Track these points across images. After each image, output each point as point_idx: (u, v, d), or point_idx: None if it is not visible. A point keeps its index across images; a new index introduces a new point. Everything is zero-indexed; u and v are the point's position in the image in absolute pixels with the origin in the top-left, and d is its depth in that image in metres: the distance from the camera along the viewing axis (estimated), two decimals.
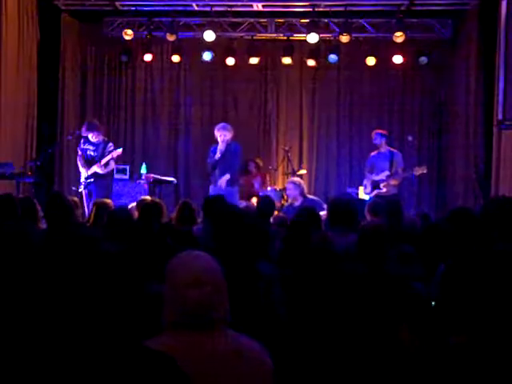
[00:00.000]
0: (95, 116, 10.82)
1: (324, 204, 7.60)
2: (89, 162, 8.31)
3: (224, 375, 1.98)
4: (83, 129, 8.42)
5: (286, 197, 9.38)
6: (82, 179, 8.29)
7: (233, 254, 2.77)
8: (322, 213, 6.46)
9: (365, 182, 8.94)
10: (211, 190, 8.24)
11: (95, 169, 8.21)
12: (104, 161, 8.18)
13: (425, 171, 8.54)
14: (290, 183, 7.96)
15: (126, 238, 3.53)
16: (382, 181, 8.56)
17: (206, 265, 2.06)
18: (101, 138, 8.42)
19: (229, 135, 8.14)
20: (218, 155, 8.11)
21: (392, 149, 8.82)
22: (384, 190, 8.50)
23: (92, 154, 8.32)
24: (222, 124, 8.43)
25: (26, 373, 1.54)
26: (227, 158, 8.11)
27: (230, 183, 8.12)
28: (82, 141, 8.42)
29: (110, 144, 8.44)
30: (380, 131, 8.90)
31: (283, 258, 3.48)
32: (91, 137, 8.32)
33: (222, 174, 8.12)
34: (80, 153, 8.39)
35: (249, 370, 2.00)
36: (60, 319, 1.59)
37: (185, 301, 1.98)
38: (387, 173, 8.54)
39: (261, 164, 9.95)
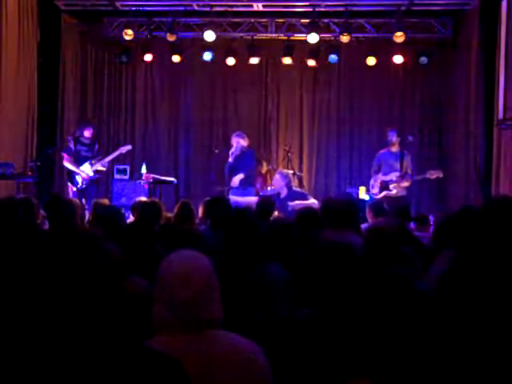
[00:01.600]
0: (95, 116, 10.86)
1: (309, 196, 7.67)
2: (81, 163, 8.54)
3: (218, 376, 1.96)
4: (81, 128, 8.75)
5: None
6: (84, 175, 8.44)
7: (238, 255, 2.78)
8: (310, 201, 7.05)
9: (372, 181, 8.70)
10: (231, 193, 8.43)
11: (99, 167, 8.52)
12: (109, 158, 8.66)
13: (441, 175, 8.34)
14: (277, 173, 7.87)
15: (121, 239, 3.55)
16: (392, 181, 8.32)
17: (197, 264, 2.03)
18: (91, 134, 8.77)
19: (242, 142, 8.49)
20: (230, 159, 8.46)
21: (402, 149, 8.58)
22: (394, 191, 8.28)
23: (85, 154, 8.59)
24: (237, 132, 8.84)
25: (27, 372, 1.53)
26: (242, 162, 8.39)
27: (244, 184, 8.26)
28: (71, 143, 8.59)
29: (96, 143, 8.84)
30: (395, 129, 8.73)
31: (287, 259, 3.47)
32: (87, 133, 8.65)
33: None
34: (67, 157, 8.53)
35: (243, 369, 1.98)
36: (63, 320, 1.59)
37: (176, 300, 1.96)
38: (397, 173, 8.32)
39: (265, 166, 9.95)
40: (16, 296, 2.06)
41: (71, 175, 8.55)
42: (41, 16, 9.53)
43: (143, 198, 6.31)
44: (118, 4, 9.84)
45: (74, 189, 8.39)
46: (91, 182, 8.51)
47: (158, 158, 10.86)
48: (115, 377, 1.53)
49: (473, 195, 9.26)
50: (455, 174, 9.92)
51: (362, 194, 8.97)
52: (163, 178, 8.94)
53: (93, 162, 8.55)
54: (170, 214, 5.50)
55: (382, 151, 8.73)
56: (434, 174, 8.28)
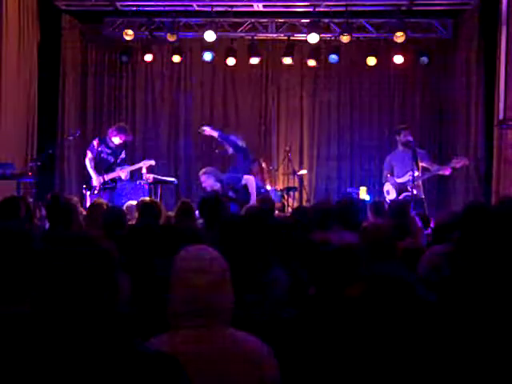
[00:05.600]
0: (95, 116, 10.86)
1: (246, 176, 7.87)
2: (101, 165, 8.24)
3: (224, 373, 1.98)
4: (111, 131, 8.34)
5: (285, 197, 9.37)
6: (96, 183, 8.16)
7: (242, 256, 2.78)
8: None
9: (386, 187, 8.21)
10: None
11: (120, 174, 8.22)
12: (133, 168, 8.39)
13: (467, 163, 7.76)
14: (201, 176, 7.84)
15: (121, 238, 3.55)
16: (411, 181, 7.67)
17: (210, 255, 2.10)
18: (121, 143, 8.39)
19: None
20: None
21: (413, 147, 7.93)
22: (414, 191, 7.61)
23: (107, 157, 8.29)
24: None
25: (25, 373, 1.53)
26: None
27: None
28: (95, 142, 8.33)
29: (123, 152, 8.48)
30: (408, 128, 8.25)
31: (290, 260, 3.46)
32: (117, 140, 8.27)
33: None
34: (91, 155, 8.24)
35: (249, 368, 2.00)
36: (58, 319, 1.59)
37: (190, 287, 2.01)
38: (416, 173, 7.68)
39: (263, 165, 9.92)
40: (12, 294, 2.06)
41: (87, 178, 8.32)
42: (41, 16, 9.53)
43: (146, 198, 6.31)
44: (118, 4, 9.84)
45: (88, 193, 8.06)
46: (104, 189, 8.17)
47: (159, 158, 10.84)
48: (111, 376, 1.52)
49: (473, 195, 9.27)
50: (455, 174, 9.90)
51: (363, 194, 8.96)
52: (163, 178, 8.93)
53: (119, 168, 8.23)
54: (170, 213, 5.51)
55: (390, 154, 8.37)
56: (459, 162, 7.65)
